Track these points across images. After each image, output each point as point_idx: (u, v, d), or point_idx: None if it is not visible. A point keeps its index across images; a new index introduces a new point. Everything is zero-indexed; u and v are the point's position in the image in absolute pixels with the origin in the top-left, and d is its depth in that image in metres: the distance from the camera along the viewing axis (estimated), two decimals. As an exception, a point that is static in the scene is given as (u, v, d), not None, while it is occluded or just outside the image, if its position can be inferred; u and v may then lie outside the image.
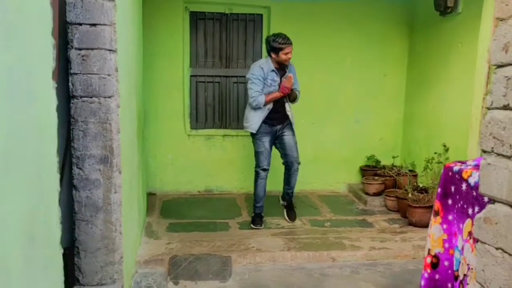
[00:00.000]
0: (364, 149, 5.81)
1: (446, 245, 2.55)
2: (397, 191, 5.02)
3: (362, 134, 5.82)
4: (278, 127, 4.50)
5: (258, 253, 3.84)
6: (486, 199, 1.93)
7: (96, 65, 2.97)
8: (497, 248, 1.61)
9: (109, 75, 2.99)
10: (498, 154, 1.62)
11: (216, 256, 3.74)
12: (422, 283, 2.65)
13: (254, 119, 4.42)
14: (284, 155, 4.59)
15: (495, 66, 1.67)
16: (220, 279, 3.53)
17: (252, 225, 4.53)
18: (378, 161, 5.75)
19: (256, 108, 4.36)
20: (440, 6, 4.67)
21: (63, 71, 2.89)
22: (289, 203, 4.77)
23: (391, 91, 5.82)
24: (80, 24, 2.93)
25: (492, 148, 1.65)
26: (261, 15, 5.57)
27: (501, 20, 1.63)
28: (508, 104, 1.57)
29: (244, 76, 5.51)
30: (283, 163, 4.65)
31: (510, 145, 1.56)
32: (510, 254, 1.54)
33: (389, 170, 5.27)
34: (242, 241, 4.09)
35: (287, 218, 4.71)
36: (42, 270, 1.89)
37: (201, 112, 5.69)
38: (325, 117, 5.64)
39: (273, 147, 4.60)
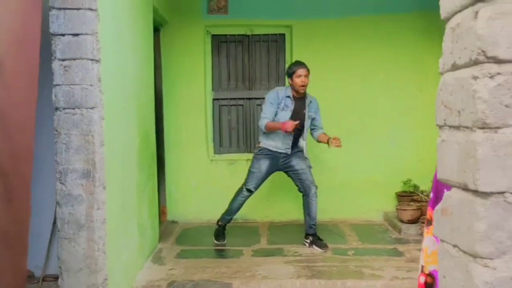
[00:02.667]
0: (400, 172, 5.29)
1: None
2: (433, 218, 4.50)
3: (397, 156, 5.32)
4: (282, 154, 4.32)
5: (264, 281, 3.50)
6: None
7: (78, 75, 2.89)
8: (453, 246, 1.24)
9: (91, 85, 2.90)
10: (451, 127, 1.28)
11: (217, 283, 3.46)
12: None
13: (267, 142, 4.35)
14: (299, 180, 4.36)
15: (445, 20, 1.35)
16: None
17: (215, 241, 4.51)
18: (416, 186, 5.22)
19: (276, 135, 4.26)
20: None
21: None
22: (314, 238, 4.37)
23: (428, 108, 5.28)
24: (63, 35, 2.89)
25: (445, 120, 1.32)
26: (284, 34, 5.39)
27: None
28: (455, 62, 1.24)
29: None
30: (300, 191, 4.38)
31: (458, 112, 1.22)
32: (464, 252, 1.18)
33: (426, 195, 4.74)
34: (250, 268, 3.76)
35: (319, 249, 4.27)
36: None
37: (225, 136, 5.52)
38: (356, 139, 5.21)
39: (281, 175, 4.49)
